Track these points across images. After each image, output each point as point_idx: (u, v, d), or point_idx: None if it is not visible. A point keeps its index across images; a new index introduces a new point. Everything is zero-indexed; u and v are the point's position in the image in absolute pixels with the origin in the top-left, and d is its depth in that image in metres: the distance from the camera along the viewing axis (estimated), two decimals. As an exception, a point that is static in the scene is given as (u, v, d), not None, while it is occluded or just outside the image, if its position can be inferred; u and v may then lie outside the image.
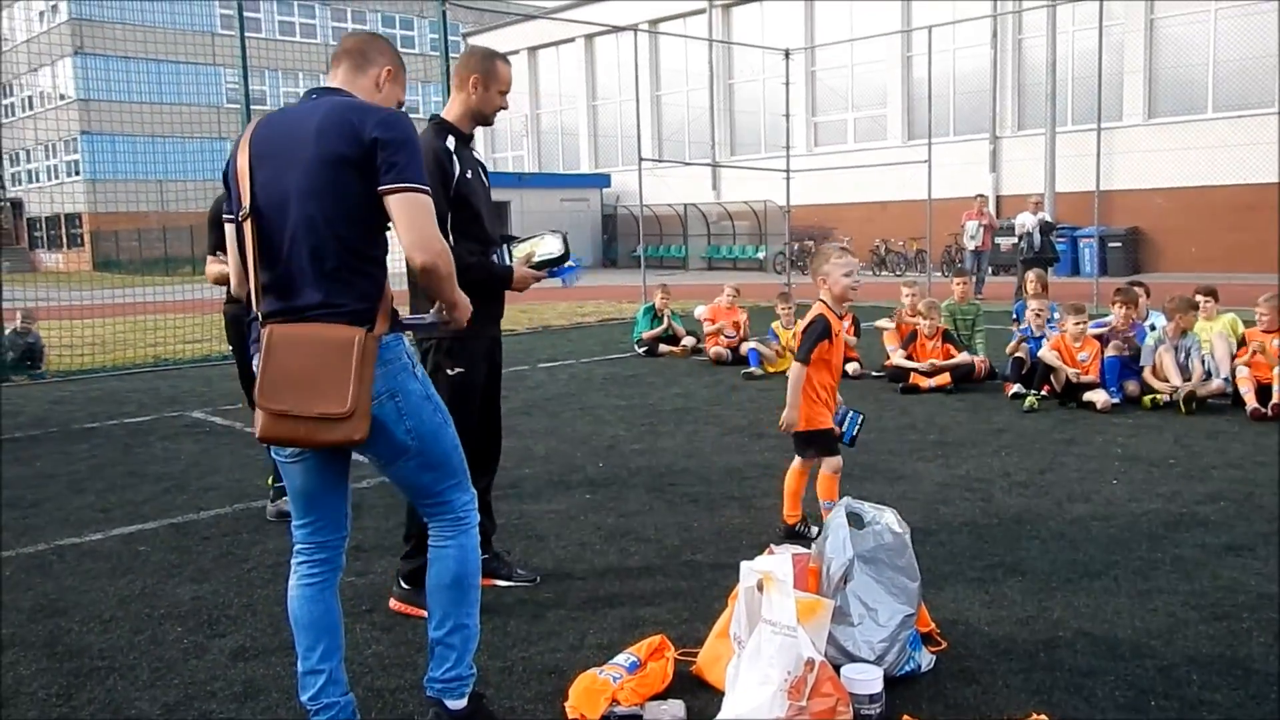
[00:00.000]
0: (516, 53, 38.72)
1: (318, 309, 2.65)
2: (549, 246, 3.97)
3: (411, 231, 2.62)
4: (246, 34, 12.12)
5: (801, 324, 4.84)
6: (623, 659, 3.26)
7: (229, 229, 2.83)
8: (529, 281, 3.96)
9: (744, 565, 3.17)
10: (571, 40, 36.88)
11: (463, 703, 2.92)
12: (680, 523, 5.09)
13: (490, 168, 4.33)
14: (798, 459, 4.83)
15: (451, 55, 17.08)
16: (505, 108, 4.01)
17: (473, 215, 3.86)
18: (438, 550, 2.91)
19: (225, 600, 4.15)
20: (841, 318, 4.88)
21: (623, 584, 4.24)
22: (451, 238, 3.65)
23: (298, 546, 2.90)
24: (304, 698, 2.85)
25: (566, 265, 3.99)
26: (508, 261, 3.95)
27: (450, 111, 3.97)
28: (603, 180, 35.83)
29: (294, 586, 2.88)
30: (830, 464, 4.72)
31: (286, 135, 2.70)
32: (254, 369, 2.73)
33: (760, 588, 3.06)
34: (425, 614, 3.05)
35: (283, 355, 2.62)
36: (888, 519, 3.39)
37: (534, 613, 3.93)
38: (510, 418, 8.05)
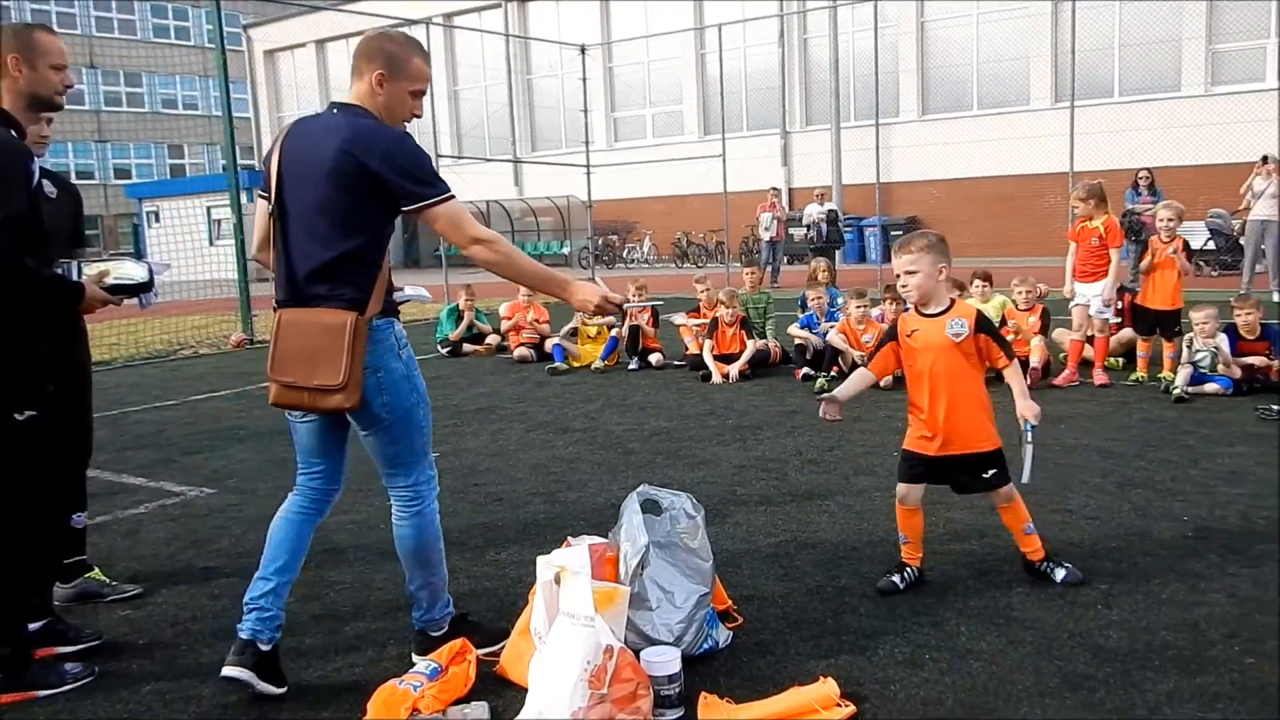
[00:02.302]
0: (303, 45, 37.40)
1: (321, 298, 3.08)
2: (128, 271, 3.84)
3: (449, 236, 3.11)
4: (-2, 26, 11.15)
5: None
6: (423, 666, 3.24)
7: (260, 204, 3.26)
8: (97, 305, 3.68)
9: (540, 560, 3.21)
10: (361, 33, 35.83)
11: (442, 630, 3.44)
12: (484, 523, 5.09)
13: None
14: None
15: (230, 48, 16.33)
16: (69, 85, 3.60)
17: (38, 220, 3.33)
18: (398, 527, 3.36)
19: None
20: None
21: (427, 586, 4.20)
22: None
23: (298, 486, 3.42)
24: (245, 597, 3.29)
25: (148, 293, 3.89)
26: (76, 278, 3.60)
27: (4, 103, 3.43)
28: (402, 178, 35.00)
29: (282, 511, 3.39)
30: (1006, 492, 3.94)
31: (308, 151, 3.11)
32: None
33: (557, 581, 3.11)
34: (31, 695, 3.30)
35: (289, 335, 3.12)
36: (682, 503, 3.51)
37: (330, 628, 3.84)
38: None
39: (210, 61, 13.75)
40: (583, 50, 20.38)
